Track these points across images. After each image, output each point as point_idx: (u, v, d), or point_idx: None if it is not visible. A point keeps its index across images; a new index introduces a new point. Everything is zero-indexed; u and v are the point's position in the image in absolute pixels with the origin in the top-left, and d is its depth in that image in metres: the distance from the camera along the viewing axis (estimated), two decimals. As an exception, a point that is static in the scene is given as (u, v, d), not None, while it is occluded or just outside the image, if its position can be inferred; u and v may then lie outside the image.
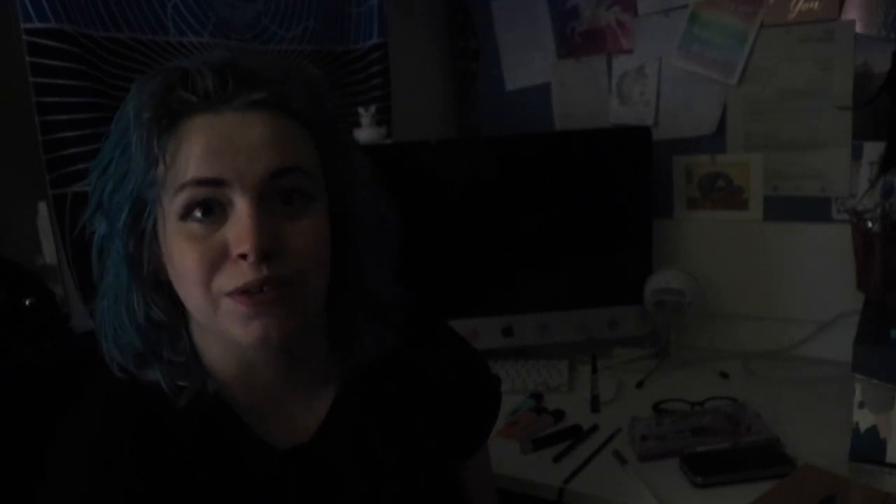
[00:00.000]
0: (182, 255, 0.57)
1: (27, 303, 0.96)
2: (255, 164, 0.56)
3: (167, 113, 0.56)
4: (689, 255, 1.57)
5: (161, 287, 0.61)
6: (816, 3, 1.38)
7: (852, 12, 1.35)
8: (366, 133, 1.47)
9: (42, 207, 1.09)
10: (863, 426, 1.05)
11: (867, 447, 1.05)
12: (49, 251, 1.10)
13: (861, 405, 1.05)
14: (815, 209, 1.45)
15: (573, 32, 1.65)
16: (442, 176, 1.48)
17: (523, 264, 1.51)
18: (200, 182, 0.55)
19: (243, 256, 0.55)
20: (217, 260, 0.56)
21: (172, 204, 0.56)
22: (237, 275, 0.56)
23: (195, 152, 0.56)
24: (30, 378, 0.74)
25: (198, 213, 0.56)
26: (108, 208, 0.59)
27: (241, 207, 0.56)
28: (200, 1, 1.26)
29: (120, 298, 0.61)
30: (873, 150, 1.35)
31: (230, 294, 0.56)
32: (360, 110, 1.48)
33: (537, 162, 1.49)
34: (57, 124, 1.07)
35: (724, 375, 1.43)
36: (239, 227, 0.55)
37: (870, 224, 1.23)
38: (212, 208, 0.56)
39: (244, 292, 0.56)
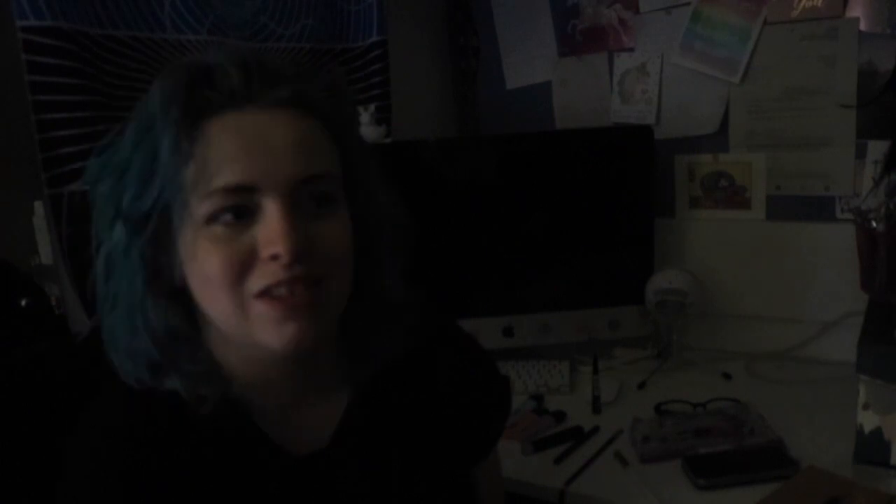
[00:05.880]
0: (207, 259, 0.55)
1: (23, 303, 0.96)
2: (284, 167, 0.55)
3: (193, 111, 0.55)
4: (691, 255, 1.56)
5: (176, 295, 0.59)
6: (820, 1, 1.36)
7: (856, 9, 1.34)
8: (365, 132, 1.46)
9: (38, 207, 1.09)
10: (867, 428, 1.04)
11: (872, 449, 1.04)
12: (45, 251, 1.09)
13: (865, 406, 1.04)
14: (818, 208, 1.44)
15: (574, 30, 1.64)
16: (442, 175, 1.48)
17: (524, 264, 1.50)
18: (232, 189, 0.54)
19: (274, 258, 0.54)
20: (246, 261, 0.55)
21: (199, 209, 0.55)
22: (267, 274, 0.55)
23: (223, 155, 0.54)
24: (30, 381, 0.73)
25: (226, 217, 0.55)
26: (129, 215, 0.56)
27: (272, 210, 0.55)
28: (199, -2, 1.26)
29: (135, 309, 0.58)
30: (878, 148, 1.34)
31: (260, 296, 0.55)
32: (360, 109, 1.47)
33: (538, 161, 1.48)
34: (53, 123, 1.06)
35: (727, 376, 1.42)
36: (270, 229, 0.55)
37: (874, 223, 1.22)
38: (242, 213, 0.55)
39: (275, 297, 0.55)
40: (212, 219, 0.55)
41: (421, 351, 0.71)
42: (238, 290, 0.55)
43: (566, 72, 1.67)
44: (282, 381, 0.63)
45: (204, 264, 0.55)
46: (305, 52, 1.48)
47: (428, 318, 0.73)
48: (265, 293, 0.55)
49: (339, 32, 1.55)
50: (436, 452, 0.70)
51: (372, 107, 1.47)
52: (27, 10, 1.02)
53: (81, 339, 0.62)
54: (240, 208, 0.55)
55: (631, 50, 1.57)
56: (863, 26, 1.34)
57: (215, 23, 1.29)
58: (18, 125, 1.05)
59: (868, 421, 1.04)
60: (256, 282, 0.55)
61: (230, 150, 0.54)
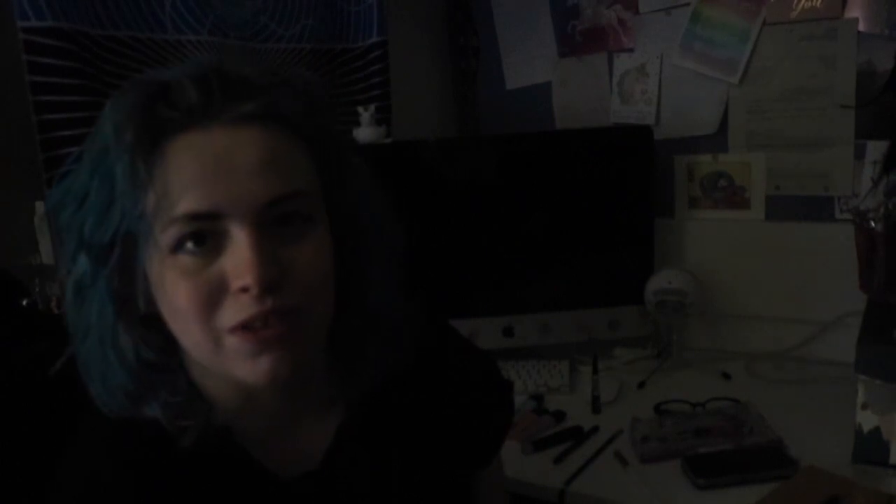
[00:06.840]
0: (175, 291, 0.52)
1: (24, 303, 0.96)
2: (250, 191, 0.51)
3: (149, 133, 0.51)
4: (690, 255, 1.56)
5: (150, 323, 0.56)
6: (819, 1, 1.37)
7: (855, 10, 1.34)
8: (365, 132, 1.46)
9: (40, 207, 1.09)
10: (866, 427, 1.04)
11: (870, 449, 1.04)
12: (46, 250, 1.09)
13: (864, 406, 1.04)
14: (817, 209, 1.45)
15: (574, 31, 1.64)
16: (442, 175, 1.48)
17: (524, 264, 1.50)
18: (193, 217, 0.51)
19: (244, 290, 0.51)
20: (215, 294, 0.52)
21: (162, 237, 0.51)
22: (239, 309, 0.52)
23: (184, 180, 0.50)
24: (30, 381, 0.73)
25: (190, 245, 0.51)
26: (91, 245, 0.53)
27: (240, 238, 0.51)
28: (199, -2, 1.26)
29: (105, 340, 0.55)
30: (877, 149, 1.34)
31: (233, 330, 0.52)
32: (360, 109, 1.47)
33: (538, 161, 1.48)
34: (54, 123, 1.06)
35: (727, 376, 1.42)
36: (238, 258, 0.51)
37: (873, 224, 1.22)
38: (205, 238, 0.52)
39: (247, 328, 0.52)
40: (177, 247, 0.51)
41: (418, 362, 0.68)
42: (210, 324, 0.52)
43: (566, 72, 1.67)
44: (266, 406, 0.61)
45: (172, 297, 0.52)
46: (305, 53, 1.48)
47: (423, 326, 0.71)
48: (238, 327, 0.52)
49: (339, 33, 1.55)
50: (435, 458, 0.69)
51: (372, 107, 1.48)
52: (28, 10, 1.02)
53: (56, 370, 0.60)
54: (205, 235, 0.51)
55: (631, 50, 1.57)
56: (861, 27, 1.34)
57: (216, 23, 1.29)
58: (19, 125, 1.05)
59: (867, 421, 1.04)
60: (228, 317, 0.52)
61: (191, 174, 0.51)
